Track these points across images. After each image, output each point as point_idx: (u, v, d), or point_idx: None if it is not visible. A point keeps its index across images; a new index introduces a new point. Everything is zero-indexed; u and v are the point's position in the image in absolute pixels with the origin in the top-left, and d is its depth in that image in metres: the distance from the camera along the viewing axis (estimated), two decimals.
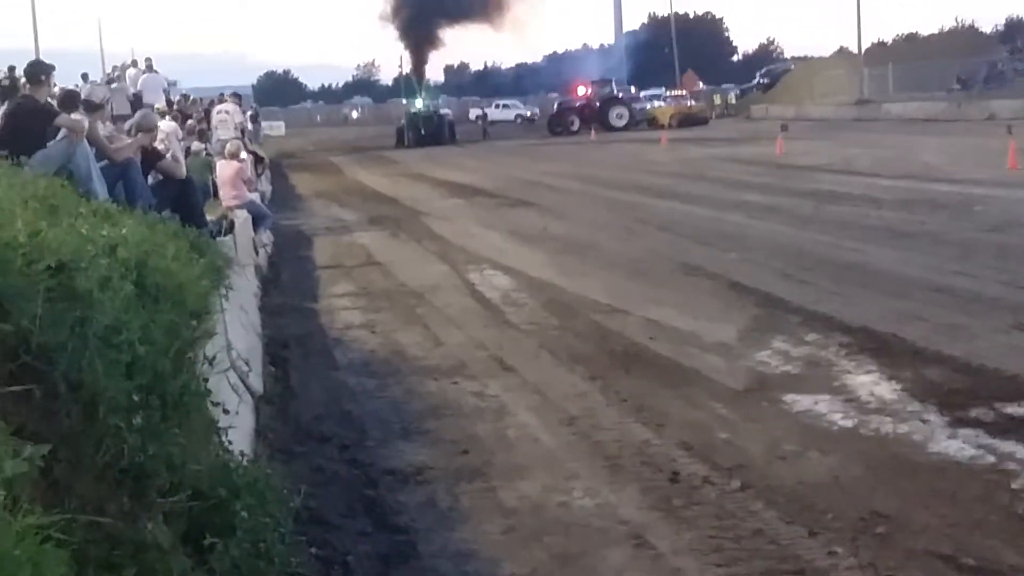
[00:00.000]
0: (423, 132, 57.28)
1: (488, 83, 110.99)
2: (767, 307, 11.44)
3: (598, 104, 63.71)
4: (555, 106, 69.63)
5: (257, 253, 15.35)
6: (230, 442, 5.56)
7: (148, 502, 3.96)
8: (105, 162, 10.61)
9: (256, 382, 8.53)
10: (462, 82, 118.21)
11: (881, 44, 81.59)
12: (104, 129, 11.88)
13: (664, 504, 6.31)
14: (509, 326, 11.54)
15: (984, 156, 26.87)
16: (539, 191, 26.65)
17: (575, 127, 62.09)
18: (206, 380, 5.50)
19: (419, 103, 61.98)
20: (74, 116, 10.77)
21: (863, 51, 69.24)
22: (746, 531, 5.84)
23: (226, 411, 5.86)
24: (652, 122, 63.42)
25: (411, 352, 10.64)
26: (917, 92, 59.74)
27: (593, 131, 57.45)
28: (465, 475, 7.00)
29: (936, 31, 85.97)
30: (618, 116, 63.54)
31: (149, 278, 5.90)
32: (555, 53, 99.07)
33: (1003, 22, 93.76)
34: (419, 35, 68.09)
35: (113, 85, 26.49)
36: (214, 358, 6.17)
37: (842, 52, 79.64)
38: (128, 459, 3.90)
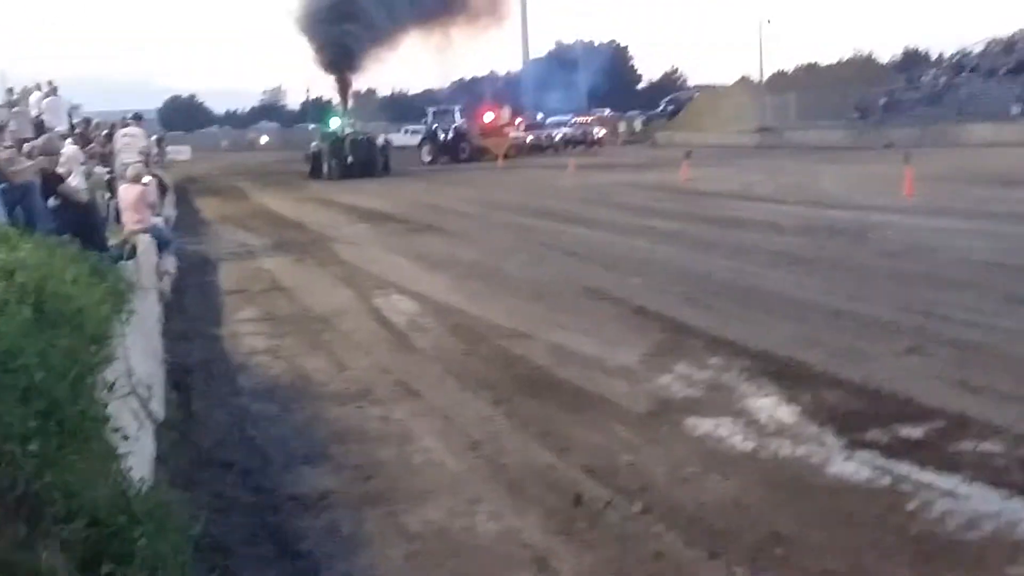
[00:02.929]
0: (350, 160, 48.27)
1: (395, 108, 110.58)
2: (671, 332, 11.56)
3: (451, 136, 60.19)
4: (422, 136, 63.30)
5: (160, 278, 15.17)
6: (130, 468, 5.48)
7: (44, 529, 3.91)
8: (4, 185, 10.45)
9: (158, 408, 8.42)
10: (368, 107, 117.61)
11: (782, 73, 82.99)
12: (2, 152, 11.69)
13: (567, 527, 6.35)
14: (415, 351, 11.53)
15: (882, 183, 27.46)
16: (446, 216, 26.67)
17: (428, 158, 58.91)
18: (106, 406, 5.44)
19: (337, 123, 52.61)
20: None
21: (765, 80, 70.49)
22: (648, 554, 5.90)
23: (126, 437, 5.77)
24: (484, 152, 59.12)
25: (316, 377, 10.59)
26: (817, 120, 60.92)
27: (500, 158, 56.30)
28: (369, 500, 6.99)
29: (835, 61, 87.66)
30: (462, 149, 59.61)
31: (48, 302, 5.83)
32: (462, 79, 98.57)
33: (900, 53, 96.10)
34: (345, 47, 57.16)
35: (15, 108, 26.03)
36: (114, 383, 6.11)
37: (744, 81, 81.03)
38: (24, 486, 3.84)
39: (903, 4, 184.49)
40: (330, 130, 52.37)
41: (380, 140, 56.26)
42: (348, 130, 51.80)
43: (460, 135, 60.98)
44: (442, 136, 60.77)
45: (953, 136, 45.46)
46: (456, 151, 59.52)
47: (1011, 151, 37.64)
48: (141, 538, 4.46)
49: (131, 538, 4.43)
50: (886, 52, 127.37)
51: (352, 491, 7.18)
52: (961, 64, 65.95)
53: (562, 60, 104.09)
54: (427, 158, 59.35)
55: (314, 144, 53.76)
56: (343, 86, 58.84)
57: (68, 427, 4.59)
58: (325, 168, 48.67)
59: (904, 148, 33.94)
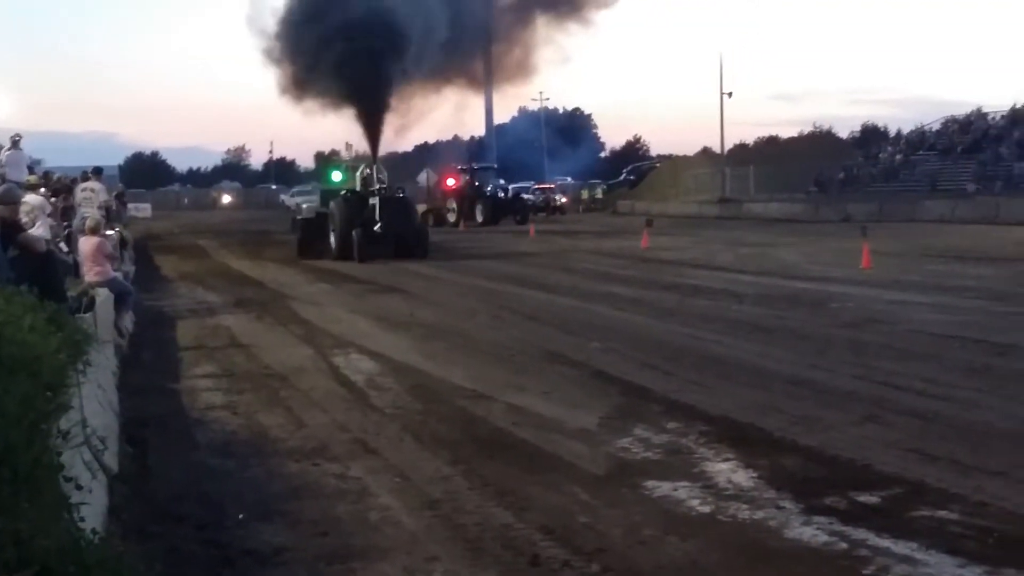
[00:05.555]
0: (382, 232, 32.65)
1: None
2: (630, 395, 11.57)
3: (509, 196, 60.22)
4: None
5: (120, 332, 15.04)
6: (82, 519, 5.38)
7: None
8: None
9: (112, 460, 8.31)
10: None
11: (743, 146, 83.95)
12: None
13: None
14: (373, 410, 11.46)
15: (840, 256, 27.80)
16: (407, 278, 26.68)
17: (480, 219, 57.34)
18: (59, 454, 5.35)
19: (345, 174, 37.78)
20: None
21: (726, 152, 71.31)
22: None
23: (79, 487, 5.69)
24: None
25: (273, 434, 10.49)
26: (777, 193, 61.71)
27: (463, 223, 56.21)
28: (324, 556, 6.90)
29: (795, 135, 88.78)
30: (518, 208, 58.88)
31: (4, 349, 5.76)
32: (425, 143, 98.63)
33: (859, 128, 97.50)
34: (375, 86, 38.26)
35: None
36: (68, 432, 6.02)
37: (706, 152, 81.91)
38: None
39: (863, 82, 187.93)
40: (338, 184, 37.26)
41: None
42: (376, 185, 34.65)
43: (516, 195, 60.09)
44: (499, 195, 59.07)
45: (909, 212, 46.12)
46: (519, 211, 58.27)
47: (966, 228, 38.23)
48: None
49: None
50: (845, 127, 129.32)
51: (308, 547, 7.08)
52: (918, 141, 67.05)
53: (525, 127, 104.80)
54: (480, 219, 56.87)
55: (305, 207, 40.16)
56: (372, 123, 38.46)
57: (21, 474, 4.51)
58: (334, 241, 33.68)
59: (861, 222, 34.42)
